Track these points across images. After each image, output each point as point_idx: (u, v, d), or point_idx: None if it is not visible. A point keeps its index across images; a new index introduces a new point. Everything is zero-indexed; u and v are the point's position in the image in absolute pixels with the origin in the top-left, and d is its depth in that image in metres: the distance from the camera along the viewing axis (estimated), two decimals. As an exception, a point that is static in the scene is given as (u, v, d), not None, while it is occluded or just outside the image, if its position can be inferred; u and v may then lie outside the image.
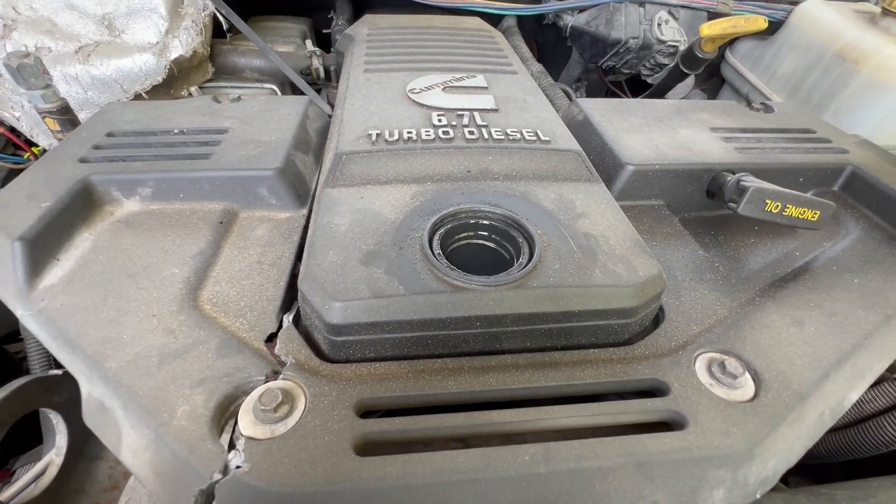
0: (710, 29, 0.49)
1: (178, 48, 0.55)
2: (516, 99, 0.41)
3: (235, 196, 0.33)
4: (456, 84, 0.42)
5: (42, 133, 0.61)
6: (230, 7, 0.58)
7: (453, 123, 0.36)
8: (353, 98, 0.39)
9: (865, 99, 0.55)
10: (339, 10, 0.77)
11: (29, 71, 0.39)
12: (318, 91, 0.62)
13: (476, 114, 0.37)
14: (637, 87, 0.82)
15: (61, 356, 0.24)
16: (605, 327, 0.25)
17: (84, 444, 0.33)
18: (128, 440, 0.21)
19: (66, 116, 0.43)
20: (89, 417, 0.22)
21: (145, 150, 0.34)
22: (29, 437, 0.38)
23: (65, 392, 0.31)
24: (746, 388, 0.24)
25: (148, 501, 0.27)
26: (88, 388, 0.22)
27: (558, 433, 0.21)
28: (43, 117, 0.42)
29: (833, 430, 0.38)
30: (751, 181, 0.32)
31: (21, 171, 0.71)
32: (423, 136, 0.34)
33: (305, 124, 0.39)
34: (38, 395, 0.29)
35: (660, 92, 0.62)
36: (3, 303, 0.45)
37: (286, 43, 0.68)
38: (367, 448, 0.20)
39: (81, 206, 0.30)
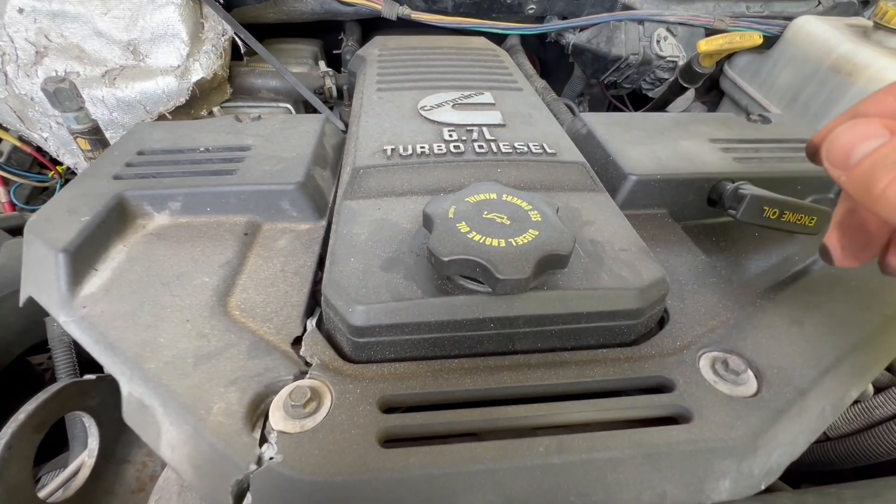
0: (707, 45, 0.51)
1: (199, 71, 0.58)
2: (522, 114, 0.43)
3: (259, 209, 0.35)
4: (465, 101, 0.44)
5: (68, 153, 0.64)
6: (246, 30, 0.61)
7: (463, 138, 0.38)
8: (367, 115, 0.42)
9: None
10: (348, 32, 0.80)
11: (64, 95, 0.42)
12: (331, 108, 0.65)
13: (485, 129, 0.39)
14: (638, 101, 0.84)
15: (103, 358, 0.25)
16: (612, 328, 0.26)
17: (113, 448, 0.34)
18: (167, 436, 0.22)
19: (96, 136, 0.45)
20: (129, 415, 0.24)
21: (174, 167, 0.36)
22: (45, 447, 0.39)
23: (97, 396, 0.32)
24: (749, 384, 0.25)
25: (178, 501, 0.28)
26: (129, 388, 0.24)
27: (570, 427, 0.23)
28: (75, 137, 0.45)
29: (843, 437, 0.38)
30: (749, 189, 0.34)
31: (45, 188, 0.73)
32: (436, 151, 0.36)
33: (323, 141, 0.41)
34: (74, 399, 0.30)
35: (661, 105, 0.64)
36: (28, 317, 0.47)
37: (300, 64, 0.71)
38: (391, 441, 0.22)
39: (116, 220, 0.32)
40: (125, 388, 0.24)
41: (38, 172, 0.71)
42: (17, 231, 0.54)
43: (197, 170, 0.36)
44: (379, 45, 0.59)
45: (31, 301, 0.49)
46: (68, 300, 0.28)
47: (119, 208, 0.33)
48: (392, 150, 0.36)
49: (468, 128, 0.39)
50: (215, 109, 0.58)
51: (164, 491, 0.29)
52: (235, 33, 0.58)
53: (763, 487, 0.22)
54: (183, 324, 0.26)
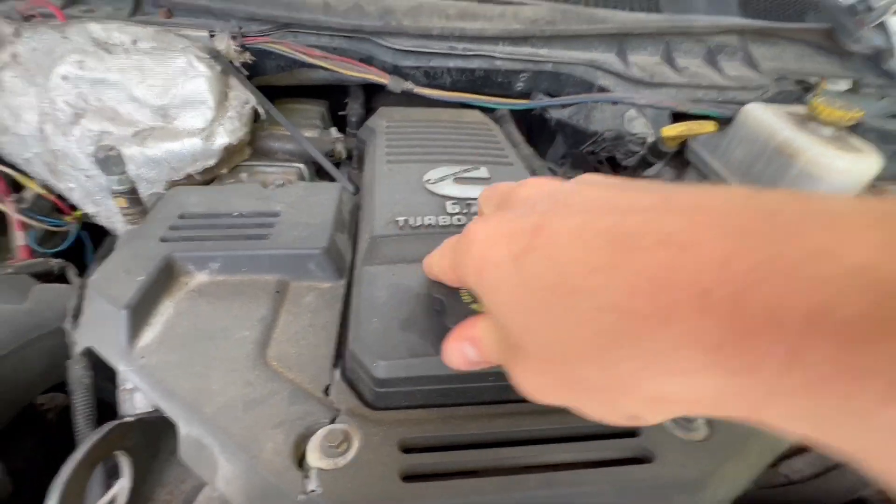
0: (669, 131, 0.60)
1: (224, 135, 0.64)
2: (513, 188, 0.50)
3: (288, 270, 0.40)
4: (464, 175, 0.51)
5: (91, 202, 0.68)
6: (267, 100, 0.68)
7: (464, 211, 0.44)
8: (380, 186, 0.48)
9: (802, 186, 0.66)
10: (353, 96, 0.88)
11: (112, 161, 0.47)
12: (338, 166, 0.72)
13: (482, 203, 0.46)
14: (615, 162, 0.93)
15: (162, 403, 0.30)
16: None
17: (141, 487, 0.37)
18: (223, 471, 0.26)
19: (134, 196, 0.50)
20: (186, 454, 0.28)
21: (213, 231, 0.41)
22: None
23: (133, 438, 0.36)
24: (701, 430, 0.30)
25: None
26: (187, 430, 0.28)
27: (555, 466, 0.28)
28: (115, 197, 0.50)
29: (806, 479, 0.44)
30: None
31: (57, 232, 0.77)
32: (441, 223, 0.42)
33: (341, 208, 0.47)
34: (117, 439, 0.34)
35: (633, 175, 0.73)
36: (49, 359, 0.50)
37: (310, 126, 0.78)
38: (410, 476, 0.26)
39: (164, 278, 0.37)
40: (183, 430, 0.28)
41: (56, 217, 0.75)
42: (41, 276, 0.58)
43: (233, 234, 0.41)
44: (386, 117, 0.67)
45: (52, 345, 0.53)
46: (128, 352, 0.32)
47: (167, 268, 0.38)
48: (404, 221, 0.42)
49: (467, 201, 0.46)
50: (245, 175, 0.64)
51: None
52: (258, 103, 0.66)
53: (713, 518, 0.28)
54: (230, 373, 0.31)
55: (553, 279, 0.18)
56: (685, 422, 0.30)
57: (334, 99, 0.91)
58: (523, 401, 0.32)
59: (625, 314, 0.16)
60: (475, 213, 0.44)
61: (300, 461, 0.26)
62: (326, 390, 0.31)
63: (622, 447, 0.28)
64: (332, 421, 0.29)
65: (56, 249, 0.73)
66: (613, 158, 0.86)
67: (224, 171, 0.66)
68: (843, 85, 0.88)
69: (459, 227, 0.42)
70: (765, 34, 0.86)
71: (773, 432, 0.16)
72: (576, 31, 0.73)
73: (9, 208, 0.69)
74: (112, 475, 0.40)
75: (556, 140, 0.91)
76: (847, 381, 0.13)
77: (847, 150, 0.64)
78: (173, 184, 0.62)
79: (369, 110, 0.86)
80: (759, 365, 0.14)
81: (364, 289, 0.35)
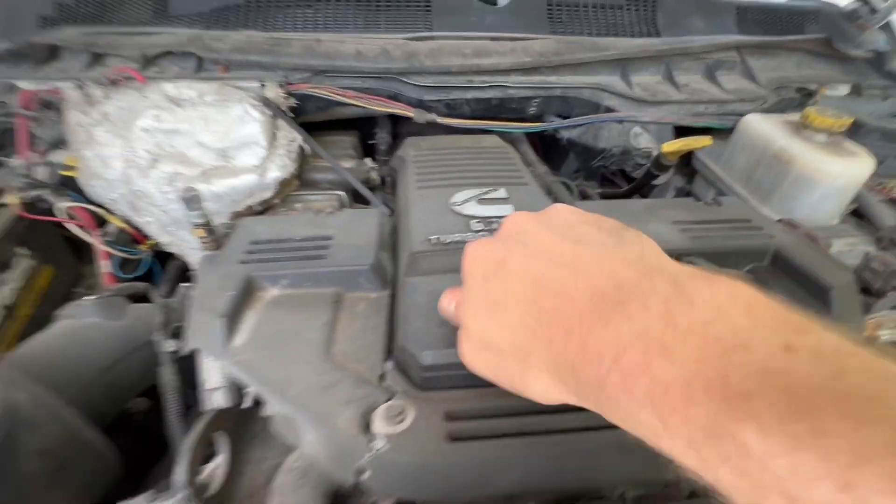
0: (668, 147, 0.67)
1: (275, 170, 0.74)
2: (528, 205, 0.57)
3: (343, 283, 0.48)
4: (485, 197, 0.59)
5: (165, 233, 0.80)
6: (311, 138, 0.78)
7: (487, 229, 0.52)
8: (414, 209, 0.56)
9: (799, 190, 0.71)
10: (380, 126, 0.98)
11: (194, 200, 0.57)
12: (372, 190, 0.81)
13: (502, 220, 0.53)
14: (626, 174, 0.99)
15: (257, 389, 0.38)
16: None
17: (232, 464, 0.46)
18: (307, 438, 0.35)
19: (210, 227, 0.60)
20: (278, 427, 0.36)
21: (280, 254, 0.50)
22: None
23: (228, 422, 0.45)
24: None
25: (294, 496, 0.40)
26: (279, 408, 0.37)
27: (569, 430, 0.35)
28: (195, 228, 0.59)
29: None
30: (696, 262, 0.47)
31: (133, 260, 0.88)
32: (467, 239, 0.50)
33: (381, 230, 0.55)
34: (219, 422, 0.43)
35: (640, 187, 0.79)
36: (145, 367, 0.59)
37: (345, 156, 0.87)
38: (455, 438, 0.34)
39: (247, 293, 0.46)
40: (276, 409, 0.37)
41: (130, 247, 0.87)
42: (134, 298, 0.68)
43: (297, 255, 0.50)
44: (413, 146, 0.76)
45: (145, 355, 0.62)
46: (227, 352, 0.41)
47: (248, 285, 0.46)
48: (437, 239, 0.50)
49: (489, 220, 0.54)
50: (300, 205, 0.74)
51: (282, 490, 0.41)
52: (304, 141, 0.76)
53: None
54: (306, 365, 0.39)
55: (499, 297, 0.29)
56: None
57: (363, 129, 1.01)
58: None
59: (527, 334, 0.27)
60: (496, 230, 0.52)
61: (366, 430, 0.34)
62: (382, 377, 0.39)
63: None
64: (390, 399, 0.36)
65: (134, 275, 0.85)
66: (623, 170, 0.92)
67: (277, 201, 0.76)
68: (844, 89, 0.92)
69: (483, 242, 0.50)
70: (764, 47, 0.91)
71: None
72: (581, 60, 0.81)
73: (96, 240, 0.80)
74: (207, 459, 0.49)
75: (569, 156, 0.98)
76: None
77: (840, 154, 0.69)
78: (236, 214, 0.73)
79: (395, 136, 0.95)
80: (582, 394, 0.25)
81: (408, 296, 0.43)
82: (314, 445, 0.34)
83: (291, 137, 0.77)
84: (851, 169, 0.68)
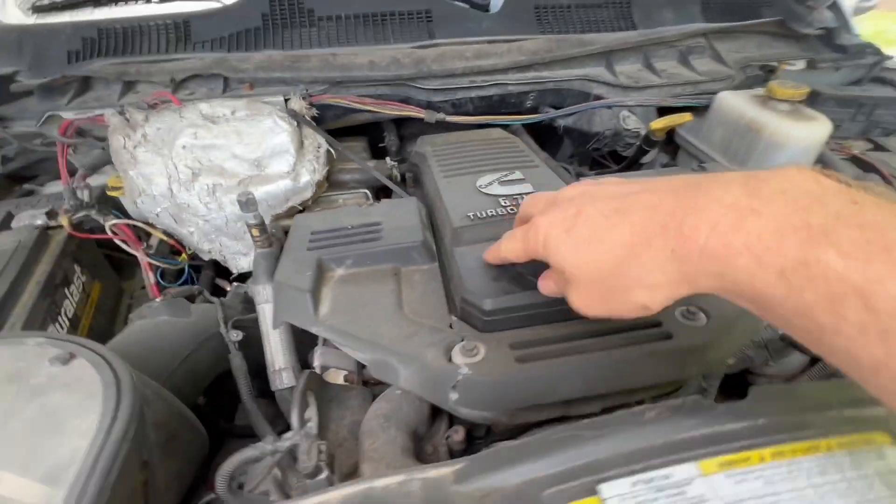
0: (656, 124, 0.76)
1: (306, 174, 0.82)
2: (543, 184, 0.66)
3: (398, 259, 0.56)
4: (505, 179, 0.67)
5: (207, 241, 0.86)
6: (337, 141, 0.86)
7: (513, 203, 0.61)
8: (445, 195, 0.65)
9: (771, 154, 0.81)
10: (388, 130, 1.06)
11: (250, 202, 0.65)
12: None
13: (525, 196, 0.62)
14: (616, 156, 1.09)
15: (349, 344, 0.46)
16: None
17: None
18: (404, 374, 0.43)
19: (263, 227, 0.67)
20: (374, 370, 0.44)
21: (340, 240, 0.58)
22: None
23: (316, 384, 0.52)
24: (700, 320, 0.45)
25: (383, 436, 0.47)
26: (371, 356, 0.44)
27: (611, 346, 0.43)
28: (250, 229, 0.67)
29: None
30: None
31: (175, 270, 0.95)
32: (500, 213, 0.58)
33: (421, 213, 0.64)
34: (311, 383, 0.50)
35: (632, 163, 0.89)
36: (216, 355, 0.66)
37: (361, 158, 0.95)
38: (520, 359, 0.42)
39: (321, 273, 0.54)
40: (369, 357, 0.45)
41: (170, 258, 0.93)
42: (189, 299, 0.75)
43: (354, 240, 0.58)
44: (429, 143, 0.84)
45: (214, 346, 0.69)
46: (315, 319, 0.49)
47: (320, 266, 0.54)
48: (474, 215, 0.58)
49: (514, 196, 0.62)
50: (342, 199, 0.82)
51: (371, 432, 0.48)
52: (330, 147, 0.83)
53: (731, 363, 0.43)
54: (387, 322, 0.47)
55: (588, 238, 0.33)
56: (689, 314, 0.45)
57: (370, 134, 1.09)
58: (580, 318, 0.47)
59: (625, 248, 0.32)
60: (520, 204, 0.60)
61: (449, 363, 0.42)
62: (450, 326, 0.47)
63: (654, 331, 0.44)
64: (462, 340, 0.44)
65: (179, 283, 0.91)
66: (614, 152, 1.02)
67: (310, 202, 0.84)
68: (801, 64, 1.04)
69: (512, 215, 0.58)
70: (727, 32, 1.02)
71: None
72: (570, 55, 0.90)
73: (141, 254, 0.87)
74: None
75: (564, 143, 1.08)
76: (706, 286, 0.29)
77: (802, 120, 0.80)
78: (277, 217, 0.80)
79: (401, 138, 1.03)
80: (690, 276, 0.29)
81: (460, 262, 0.51)
82: (409, 380, 0.42)
83: (318, 143, 0.85)
84: (813, 132, 0.78)
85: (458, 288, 0.49)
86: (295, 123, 0.84)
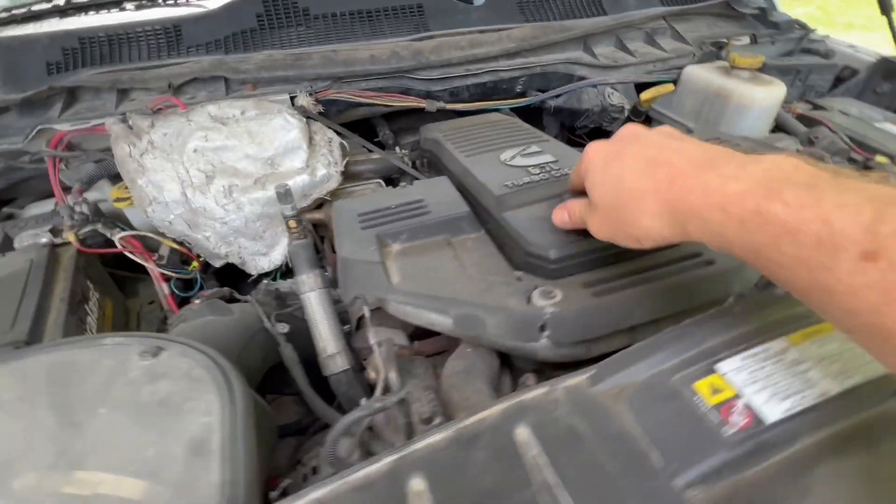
0: (645, 95, 0.85)
1: (322, 168, 0.83)
2: (559, 154, 0.72)
3: (448, 230, 0.60)
4: (526, 152, 0.73)
5: (225, 244, 0.85)
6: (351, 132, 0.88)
7: (544, 171, 0.66)
8: (475, 171, 0.69)
9: (739, 116, 0.92)
10: (379, 125, 1.08)
11: (286, 194, 0.66)
12: (402, 172, 0.92)
13: (550, 164, 0.68)
14: (594, 135, 1.17)
15: (430, 305, 0.49)
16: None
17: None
18: (490, 323, 0.47)
19: (299, 218, 0.69)
20: (459, 325, 0.48)
21: (389, 218, 0.61)
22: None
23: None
24: (731, 248, 0.53)
25: (466, 387, 0.51)
26: (455, 312, 0.48)
27: (668, 274, 0.49)
28: (287, 221, 0.68)
29: None
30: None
31: (186, 279, 0.93)
32: (535, 179, 0.64)
33: (455, 187, 0.68)
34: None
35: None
36: (264, 350, 0.67)
37: (362, 151, 0.98)
38: (596, 294, 0.47)
39: (380, 248, 0.57)
40: (452, 313, 0.48)
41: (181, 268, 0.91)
42: (223, 299, 0.75)
43: (405, 216, 0.61)
44: (437, 129, 0.88)
45: (261, 339, 0.70)
46: (391, 288, 0.52)
47: (380, 241, 0.57)
48: (511, 183, 0.63)
49: (541, 165, 0.68)
50: (374, 185, 0.83)
51: (456, 386, 0.52)
52: (341, 139, 0.85)
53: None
54: (460, 282, 0.51)
55: (618, 175, 0.40)
56: (723, 244, 0.53)
57: (359, 130, 1.11)
58: (629, 258, 0.53)
59: (640, 192, 0.38)
60: (551, 171, 0.66)
61: (538, 305, 0.47)
62: (519, 279, 0.52)
63: (700, 258, 0.50)
64: (536, 287, 0.49)
65: (193, 293, 0.89)
66: (598, 129, 1.11)
67: (327, 196, 0.85)
68: (745, 40, 1.17)
69: (544, 181, 0.63)
70: (682, 14, 1.14)
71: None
72: (553, 40, 0.97)
73: (152, 266, 0.84)
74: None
75: (548, 124, 1.15)
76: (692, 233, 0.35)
77: (762, 84, 0.91)
78: (301, 210, 0.80)
79: (394, 132, 1.07)
80: (680, 223, 0.36)
81: (513, 223, 0.56)
82: (497, 328, 0.46)
83: (329, 138, 0.87)
84: (773, 94, 0.90)
85: (517, 245, 0.53)
86: (304, 120, 0.85)
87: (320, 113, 0.88)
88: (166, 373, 0.44)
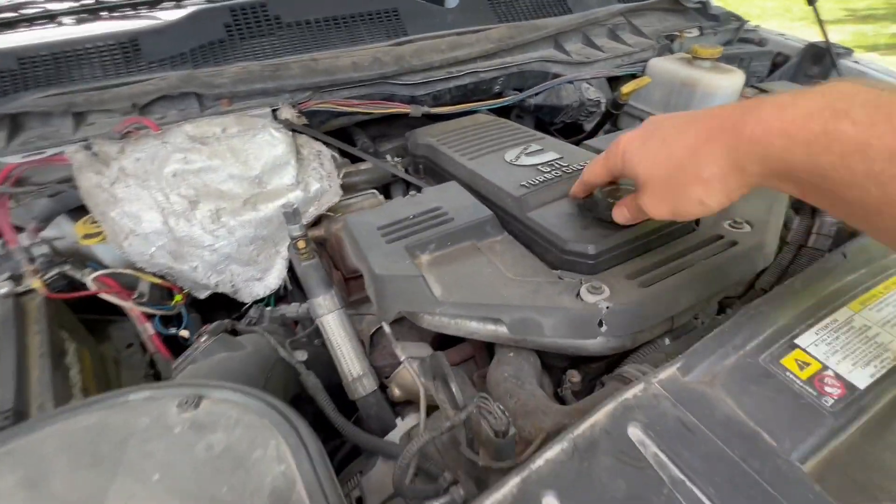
0: (626, 88, 0.89)
1: (315, 182, 0.79)
2: (562, 151, 0.73)
3: (474, 235, 0.59)
4: (529, 151, 0.73)
5: (215, 273, 0.79)
6: (342, 143, 0.84)
7: (552, 168, 0.67)
8: (483, 173, 0.68)
9: (705, 103, 0.98)
10: (356, 134, 1.05)
11: (294, 214, 0.62)
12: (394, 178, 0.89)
13: (558, 161, 0.69)
14: (568, 132, 1.20)
15: (479, 313, 0.48)
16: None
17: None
18: (546, 323, 0.46)
19: (307, 238, 0.65)
20: (514, 330, 0.47)
21: (411, 229, 0.59)
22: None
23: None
24: (746, 227, 0.56)
25: (528, 386, 0.50)
26: (509, 317, 0.47)
27: (694, 259, 0.51)
28: (295, 242, 0.64)
29: None
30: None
31: (170, 316, 0.85)
32: (548, 178, 0.64)
33: (468, 192, 0.67)
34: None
35: (603, 124, 1.01)
36: (285, 380, 0.63)
37: (344, 162, 0.94)
38: (642, 284, 0.48)
39: (412, 259, 0.55)
40: (507, 319, 0.47)
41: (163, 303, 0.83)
42: (228, 332, 0.69)
43: (428, 225, 0.59)
44: (427, 134, 0.87)
45: (280, 370, 0.66)
46: (435, 300, 0.50)
47: (410, 254, 0.55)
48: (527, 182, 0.63)
49: (549, 163, 0.69)
50: (382, 197, 0.80)
51: (509, 391, 0.51)
52: (332, 151, 0.82)
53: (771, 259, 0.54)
54: (504, 287, 0.50)
55: (659, 144, 0.41)
56: (736, 224, 0.56)
57: (338, 139, 1.08)
58: (660, 246, 0.55)
59: (687, 148, 0.38)
60: (560, 168, 0.66)
61: (586, 301, 0.47)
62: (560, 277, 0.52)
63: (723, 243, 0.53)
64: (582, 284, 0.49)
65: (181, 331, 0.81)
66: (573, 124, 1.14)
67: (324, 209, 0.81)
68: (695, 32, 1.25)
69: (556, 178, 0.64)
70: (638, 10, 1.20)
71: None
72: (527, 39, 0.99)
73: (132, 306, 0.77)
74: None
75: (525, 122, 1.17)
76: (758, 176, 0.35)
77: (723, 72, 0.98)
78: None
79: (372, 139, 1.04)
80: (739, 165, 0.36)
81: (541, 223, 0.56)
82: (555, 328, 0.46)
83: (317, 150, 0.83)
84: (735, 80, 0.97)
85: (551, 244, 0.54)
86: (290, 133, 0.80)
87: (305, 125, 0.84)
88: (216, 422, 0.39)
